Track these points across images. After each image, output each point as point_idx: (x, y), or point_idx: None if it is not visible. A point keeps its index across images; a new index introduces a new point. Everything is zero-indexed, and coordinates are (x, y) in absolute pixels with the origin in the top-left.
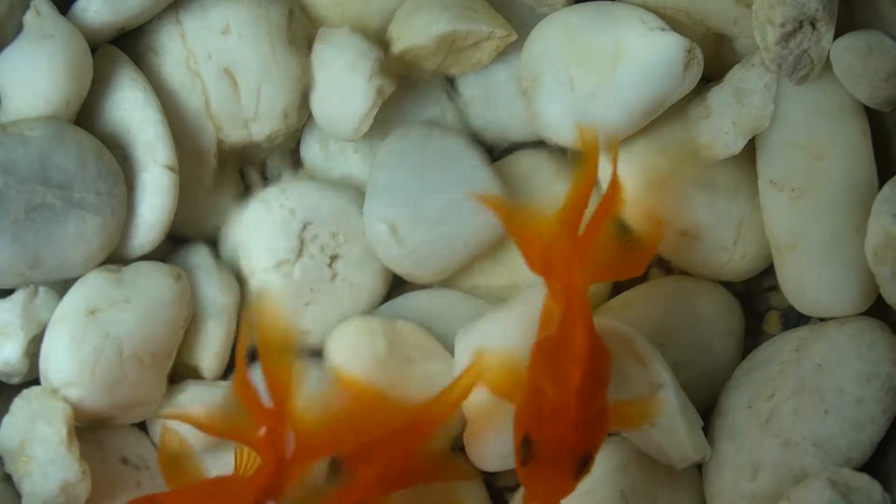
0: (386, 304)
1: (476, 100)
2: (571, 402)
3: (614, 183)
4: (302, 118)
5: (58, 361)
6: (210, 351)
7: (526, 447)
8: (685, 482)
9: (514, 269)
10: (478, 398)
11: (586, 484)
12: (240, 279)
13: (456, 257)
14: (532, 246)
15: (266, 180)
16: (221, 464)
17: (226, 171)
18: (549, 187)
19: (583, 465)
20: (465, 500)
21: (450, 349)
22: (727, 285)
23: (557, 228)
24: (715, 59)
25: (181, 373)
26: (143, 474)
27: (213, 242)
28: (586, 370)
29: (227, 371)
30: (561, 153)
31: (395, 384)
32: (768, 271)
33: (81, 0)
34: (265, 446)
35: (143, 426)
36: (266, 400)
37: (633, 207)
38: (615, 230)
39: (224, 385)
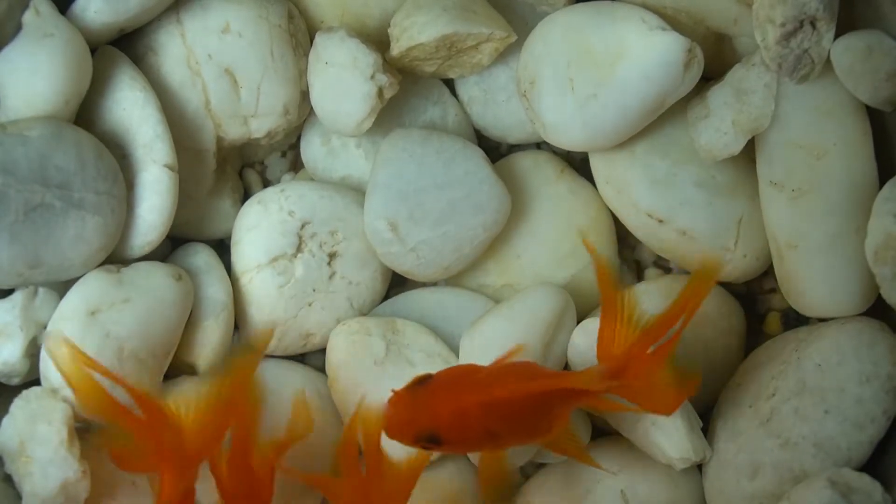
0: (386, 303)
1: (476, 100)
2: (473, 397)
3: (689, 312)
4: (302, 115)
5: None
6: (207, 348)
7: (419, 382)
8: (685, 482)
9: (514, 269)
10: None
11: (586, 483)
12: (233, 279)
13: (457, 256)
14: (610, 333)
15: (266, 182)
16: None
17: (226, 172)
18: (549, 188)
19: (427, 440)
20: (465, 500)
21: (454, 349)
22: (727, 286)
23: (638, 333)
24: (715, 59)
25: (176, 368)
26: (139, 475)
27: (214, 243)
28: (512, 400)
29: None
30: (561, 154)
31: (397, 385)
32: (768, 272)
33: (81, 0)
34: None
35: None
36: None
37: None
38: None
39: None
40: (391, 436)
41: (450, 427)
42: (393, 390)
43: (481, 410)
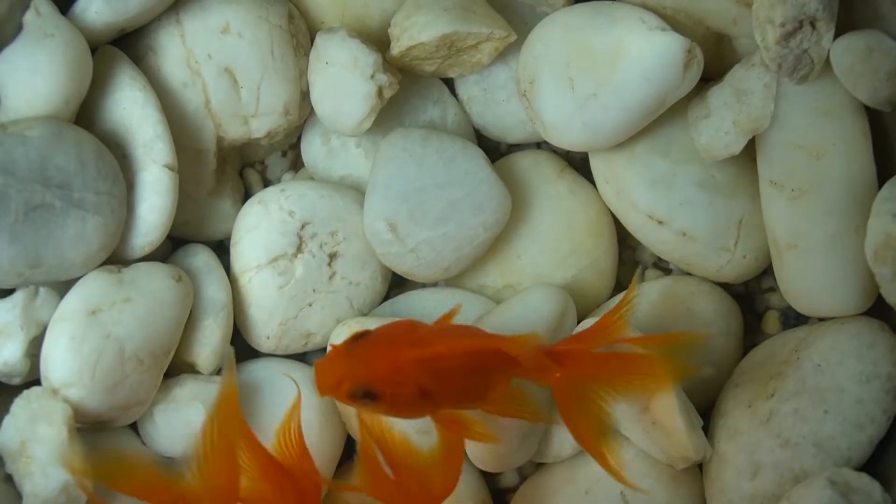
0: (386, 304)
1: (476, 100)
2: (411, 351)
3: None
4: (302, 115)
5: (58, 362)
6: (207, 348)
7: (357, 338)
8: (685, 482)
9: (514, 269)
10: None
11: (586, 483)
12: (233, 278)
13: (457, 257)
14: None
15: (266, 182)
16: None
17: (226, 172)
18: (549, 188)
19: (363, 396)
20: (466, 500)
21: None
22: (726, 286)
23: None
24: (715, 59)
25: (176, 368)
26: None
27: (214, 243)
28: (449, 356)
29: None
30: (561, 154)
31: None
32: (767, 272)
33: (82, 0)
34: None
35: (133, 426)
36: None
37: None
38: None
39: (218, 380)
40: (323, 392)
41: (384, 381)
42: (332, 345)
43: (416, 366)
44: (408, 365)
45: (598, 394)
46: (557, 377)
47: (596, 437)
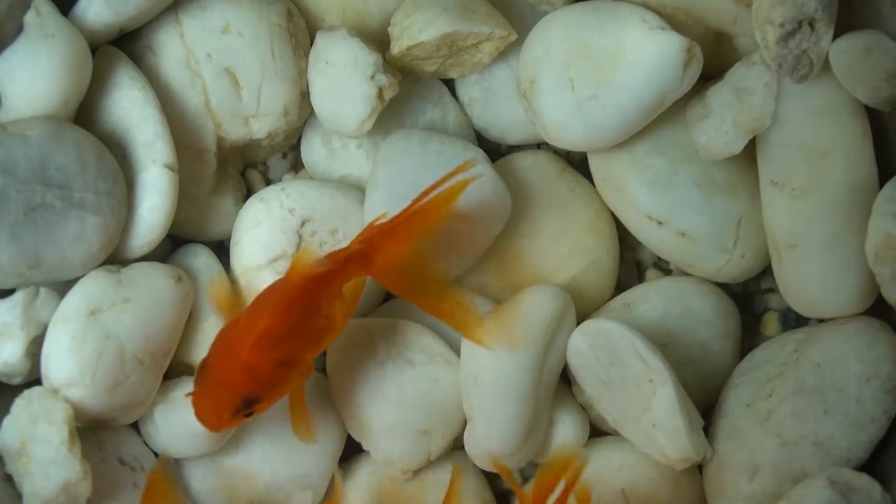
0: (386, 304)
1: (476, 101)
2: (246, 344)
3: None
4: (303, 116)
5: (59, 362)
6: (207, 349)
7: (201, 371)
8: (685, 482)
9: (514, 269)
10: (480, 400)
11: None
12: (233, 278)
13: (456, 257)
14: None
15: (269, 183)
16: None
17: (227, 172)
18: (549, 188)
19: (244, 406)
20: (467, 500)
21: (455, 350)
22: (725, 286)
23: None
24: (714, 58)
25: (176, 368)
26: (139, 475)
27: (214, 243)
28: (275, 322)
29: None
30: (561, 154)
31: (396, 385)
32: (766, 272)
33: (82, 1)
34: None
35: (134, 425)
36: None
37: None
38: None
39: None
40: (214, 427)
41: (253, 382)
42: (187, 395)
43: (261, 352)
44: (255, 357)
45: (418, 257)
46: (372, 266)
47: (443, 298)
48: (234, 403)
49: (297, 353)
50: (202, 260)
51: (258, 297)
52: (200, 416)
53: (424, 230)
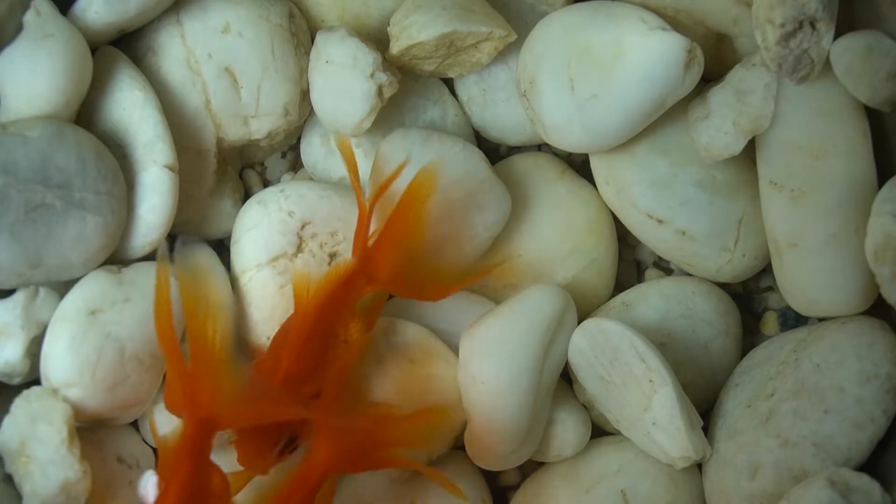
0: (386, 304)
1: (475, 100)
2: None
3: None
4: (302, 116)
5: (58, 361)
6: None
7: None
8: (685, 482)
9: (514, 269)
10: (480, 399)
11: (587, 482)
12: (233, 278)
13: (456, 256)
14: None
15: (266, 183)
16: None
17: (226, 173)
18: (549, 188)
19: (289, 443)
20: (467, 500)
21: (454, 350)
22: (724, 286)
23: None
24: (715, 59)
25: None
26: (136, 473)
27: (214, 243)
28: (295, 364)
29: None
30: (562, 156)
31: (397, 386)
32: (765, 272)
33: (82, 1)
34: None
35: (134, 423)
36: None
37: None
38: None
39: None
40: (263, 470)
41: (291, 425)
42: (230, 441)
43: (287, 380)
44: (283, 393)
45: (417, 255)
46: (377, 277)
47: (459, 280)
48: (278, 443)
49: (322, 382)
50: (202, 259)
51: (274, 339)
52: (245, 461)
53: (416, 228)
